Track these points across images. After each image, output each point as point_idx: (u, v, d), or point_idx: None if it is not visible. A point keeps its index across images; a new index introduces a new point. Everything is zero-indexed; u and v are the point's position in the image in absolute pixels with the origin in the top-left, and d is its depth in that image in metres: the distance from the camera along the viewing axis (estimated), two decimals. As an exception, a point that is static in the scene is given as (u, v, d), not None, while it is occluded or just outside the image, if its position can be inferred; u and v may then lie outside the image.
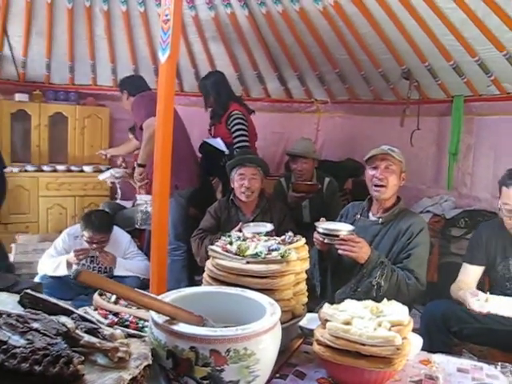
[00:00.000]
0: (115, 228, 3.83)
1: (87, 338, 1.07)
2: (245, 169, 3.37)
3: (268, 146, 5.16)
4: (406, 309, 1.53)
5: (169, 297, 1.33)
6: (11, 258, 4.17)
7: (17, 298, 1.24)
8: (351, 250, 2.30)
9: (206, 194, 4.15)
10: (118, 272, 3.67)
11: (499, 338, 2.17)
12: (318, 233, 2.35)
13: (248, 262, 1.51)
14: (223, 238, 1.71)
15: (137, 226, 3.86)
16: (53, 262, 3.60)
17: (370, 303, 1.54)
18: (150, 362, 1.10)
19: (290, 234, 1.72)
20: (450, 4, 3.39)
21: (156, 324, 1.18)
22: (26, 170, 4.97)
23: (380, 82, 4.67)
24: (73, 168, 5.17)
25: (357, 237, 2.33)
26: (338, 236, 2.30)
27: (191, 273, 3.91)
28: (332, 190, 3.93)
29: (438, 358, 1.66)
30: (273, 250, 1.55)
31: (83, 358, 0.99)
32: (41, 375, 0.92)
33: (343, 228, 2.35)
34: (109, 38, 4.87)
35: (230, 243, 1.62)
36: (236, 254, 1.54)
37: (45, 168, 5.04)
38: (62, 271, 3.57)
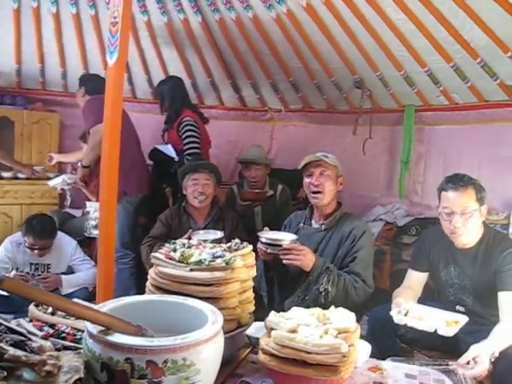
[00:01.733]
0: (60, 234, 3.68)
1: (12, 351, 1.01)
2: (198, 174, 3.34)
3: (222, 154, 5.10)
4: (353, 316, 1.51)
5: (107, 306, 1.27)
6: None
7: None
8: (295, 259, 2.31)
9: (158, 202, 4.05)
10: (66, 291, 3.48)
11: (441, 341, 2.19)
12: (262, 243, 2.33)
13: (192, 270, 1.46)
14: (167, 245, 1.65)
15: (86, 234, 3.71)
16: None
17: (316, 311, 1.52)
18: (82, 375, 1.04)
19: (237, 240, 1.69)
20: (400, 15, 3.46)
21: (90, 335, 1.12)
22: (-32, 178, 4.72)
23: (333, 91, 4.70)
24: (19, 175, 4.95)
25: (299, 245, 2.33)
26: (280, 245, 2.29)
27: (141, 281, 3.79)
28: (285, 197, 3.92)
29: (387, 365, 1.66)
30: (217, 257, 1.51)
31: (5, 373, 0.92)
32: (-44, 393, 0.85)
33: (286, 237, 2.35)
34: (58, 41, 4.71)
35: (174, 250, 1.57)
36: (179, 262, 1.50)
37: (-11, 175, 4.80)
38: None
